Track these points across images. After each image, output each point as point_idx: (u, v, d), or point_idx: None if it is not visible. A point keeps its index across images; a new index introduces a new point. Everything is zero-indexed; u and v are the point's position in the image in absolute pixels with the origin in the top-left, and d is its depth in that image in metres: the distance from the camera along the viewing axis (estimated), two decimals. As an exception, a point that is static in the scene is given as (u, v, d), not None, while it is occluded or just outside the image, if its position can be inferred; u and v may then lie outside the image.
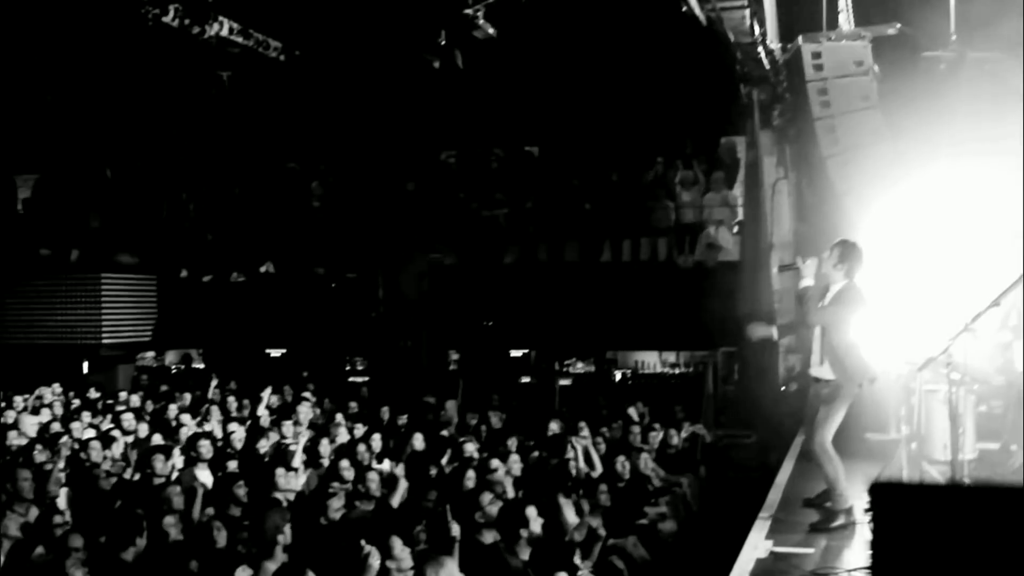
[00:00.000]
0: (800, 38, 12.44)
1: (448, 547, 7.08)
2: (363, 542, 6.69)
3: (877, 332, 8.73)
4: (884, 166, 11.68)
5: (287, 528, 7.56)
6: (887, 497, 3.13)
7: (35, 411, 13.69)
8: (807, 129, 12.87)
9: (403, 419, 13.92)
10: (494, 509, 8.05)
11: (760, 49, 12.44)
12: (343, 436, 12.69)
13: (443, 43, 10.76)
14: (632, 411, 14.13)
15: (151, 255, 19.94)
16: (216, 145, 18.91)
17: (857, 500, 8.08)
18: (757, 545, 7.52)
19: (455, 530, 7.17)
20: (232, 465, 10.42)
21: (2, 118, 17.70)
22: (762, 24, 12.14)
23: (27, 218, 20.93)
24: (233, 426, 12.49)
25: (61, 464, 10.10)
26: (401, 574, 6.81)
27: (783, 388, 13.94)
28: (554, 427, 12.69)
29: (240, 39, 11.17)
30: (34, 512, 8.79)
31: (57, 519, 8.23)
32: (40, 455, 10.63)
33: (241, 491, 9.13)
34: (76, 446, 11.44)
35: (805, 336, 9.74)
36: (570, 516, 8.57)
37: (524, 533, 7.43)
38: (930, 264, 9.86)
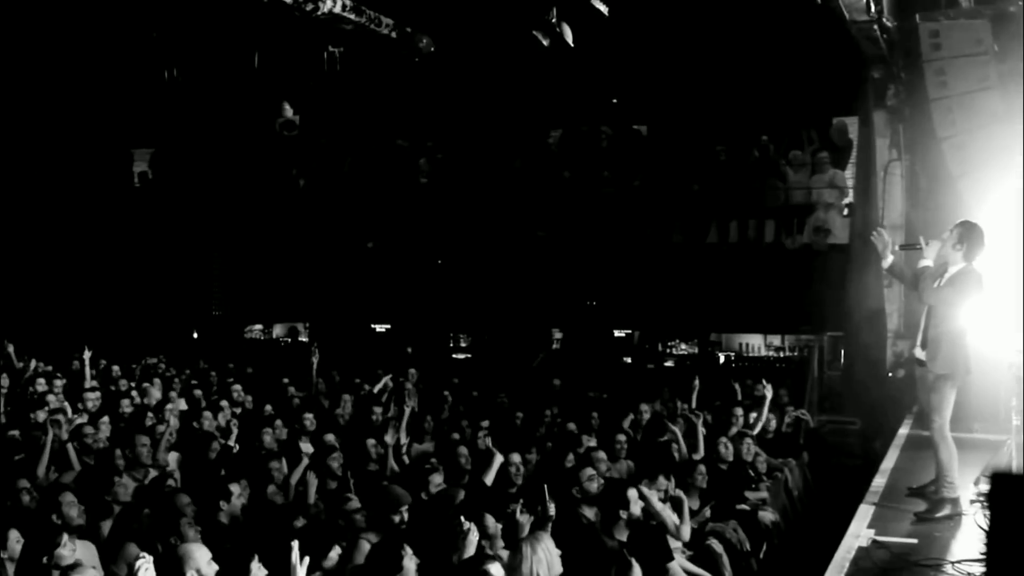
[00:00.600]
0: (917, 16, 12.09)
1: (543, 524, 7.07)
2: (462, 518, 6.70)
3: (990, 319, 8.51)
4: (1002, 150, 11.31)
5: (403, 508, 7.56)
6: (1008, 488, 3.04)
7: (147, 378, 14.03)
8: (922, 110, 12.53)
9: (503, 397, 13.98)
10: (592, 485, 8.04)
11: (875, 27, 12.16)
12: (444, 412, 12.83)
13: (553, 20, 10.71)
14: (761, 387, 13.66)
15: (263, 230, 20.33)
16: (327, 121, 19.14)
17: (964, 491, 7.90)
18: (859, 533, 7.39)
19: (551, 509, 7.16)
20: (330, 438, 10.54)
21: (120, 94, 18.17)
22: (878, 2, 11.87)
23: (142, 191, 21.51)
24: (345, 396, 12.71)
25: (171, 431, 10.36)
26: (493, 551, 6.83)
27: (890, 374, 13.65)
28: (646, 408, 12.60)
29: (352, 16, 11.27)
30: (152, 474, 9.08)
31: (170, 483, 8.46)
32: (151, 422, 10.92)
33: (335, 464, 9.26)
34: (187, 414, 11.76)
35: (914, 321, 9.52)
36: (655, 503, 8.51)
37: (623, 515, 7.40)
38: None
